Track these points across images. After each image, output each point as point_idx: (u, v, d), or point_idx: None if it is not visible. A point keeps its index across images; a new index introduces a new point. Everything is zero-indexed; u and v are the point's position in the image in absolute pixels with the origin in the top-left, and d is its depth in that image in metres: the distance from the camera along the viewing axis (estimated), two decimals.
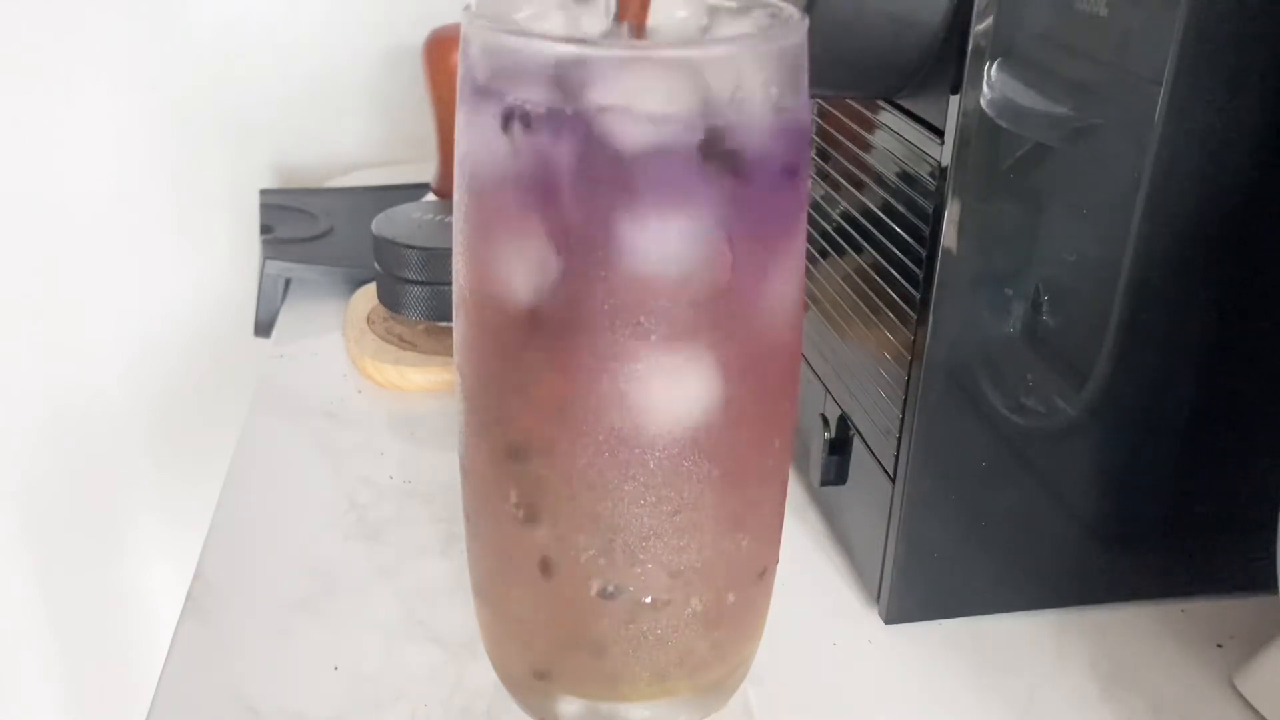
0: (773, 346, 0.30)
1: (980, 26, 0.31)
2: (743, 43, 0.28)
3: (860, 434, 0.41)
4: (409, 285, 0.55)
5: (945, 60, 0.32)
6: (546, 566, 0.31)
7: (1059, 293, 0.34)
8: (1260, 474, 0.37)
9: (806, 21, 0.28)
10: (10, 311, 0.81)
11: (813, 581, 0.42)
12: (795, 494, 0.46)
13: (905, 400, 0.36)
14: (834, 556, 0.44)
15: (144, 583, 0.91)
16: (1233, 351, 0.37)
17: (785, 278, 0.30)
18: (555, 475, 0.29)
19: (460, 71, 0.28)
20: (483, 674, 0.37)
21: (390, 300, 0.57)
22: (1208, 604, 0.41)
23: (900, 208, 0.36)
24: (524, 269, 0.28)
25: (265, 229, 0.67)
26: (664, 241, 0.27)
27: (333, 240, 0.67)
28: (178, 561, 0.82)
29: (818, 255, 0.44)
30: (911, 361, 0.36)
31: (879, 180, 0.38)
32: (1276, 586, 0.33)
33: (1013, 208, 0.33)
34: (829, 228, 0.43)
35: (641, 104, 0.26)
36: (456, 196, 0.30)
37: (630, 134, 0.26)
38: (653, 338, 0.28)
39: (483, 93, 0.27)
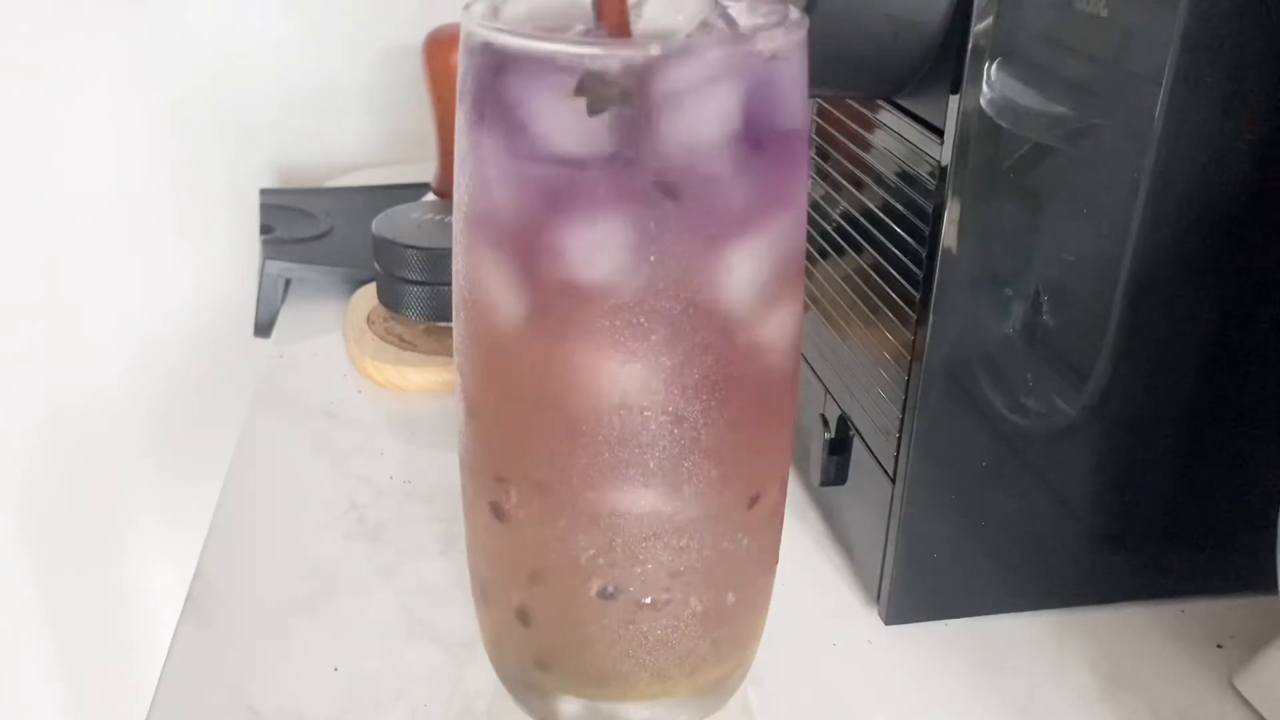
0: (773, 346, 0.30)
1: (980, 26, 0.31)
2: (743, 42, 0.28)
3: (860, 434, 0.41)
4: (409, 285, 0.55)
5: (945, 60, 0.32)
6: (546, 567, 0.31)
7: (1059, 293, 0.34)
8: (1260, 474, 0.37)
9: (806, 21, 0.28)
10: (10, 311, 0.81)
11: (813, 581, 0.42)
12: (795, 494, 0.46)
13: (905, 400, 0.36)
14: (834, 556, 0.44)
15: (144, 583, 0.91)
16: (1233, 351, 0.37)
17: (784, 278, 0.30)
18: (555, 475, 0.29)
19: (460, 71, 0.28)
20: (483, 674, 0.37)
21: (390, 300, 0.57)
22: (1208, 604, 0.41)
23: (900, 208, 0.36)
24: (524, 268, 0.28)
25: (265, 229, 0.67)
26: (663, 240, 0.27)
27: (333, 240, 0.67)
28: (178, 561, 0.82)
29: (818, 255, 0.44)
30: (911, 361, 0.36)
31: (879, 180, 0.38)
32: (1276, 586, 0.33)
33: (1013, 208, 0.33)
34: (829, 228, 0.43)
35: (641, 104, 0.26)
36: (456, 196, 0.30)
37: (622, 130, 0.26)
38: (653, 338, 0.28)
39: (483, 92, 0.27)
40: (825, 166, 0.43)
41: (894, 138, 0.37)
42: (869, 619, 0.40)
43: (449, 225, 0.55)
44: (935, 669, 0.38)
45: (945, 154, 0.33)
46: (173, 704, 0.36)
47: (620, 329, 0.27)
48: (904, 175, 0.36)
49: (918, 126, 0.35)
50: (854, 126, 0.40)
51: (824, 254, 0.43)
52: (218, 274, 0.85)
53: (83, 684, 0.93)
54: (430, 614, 0.40)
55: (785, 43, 0.27)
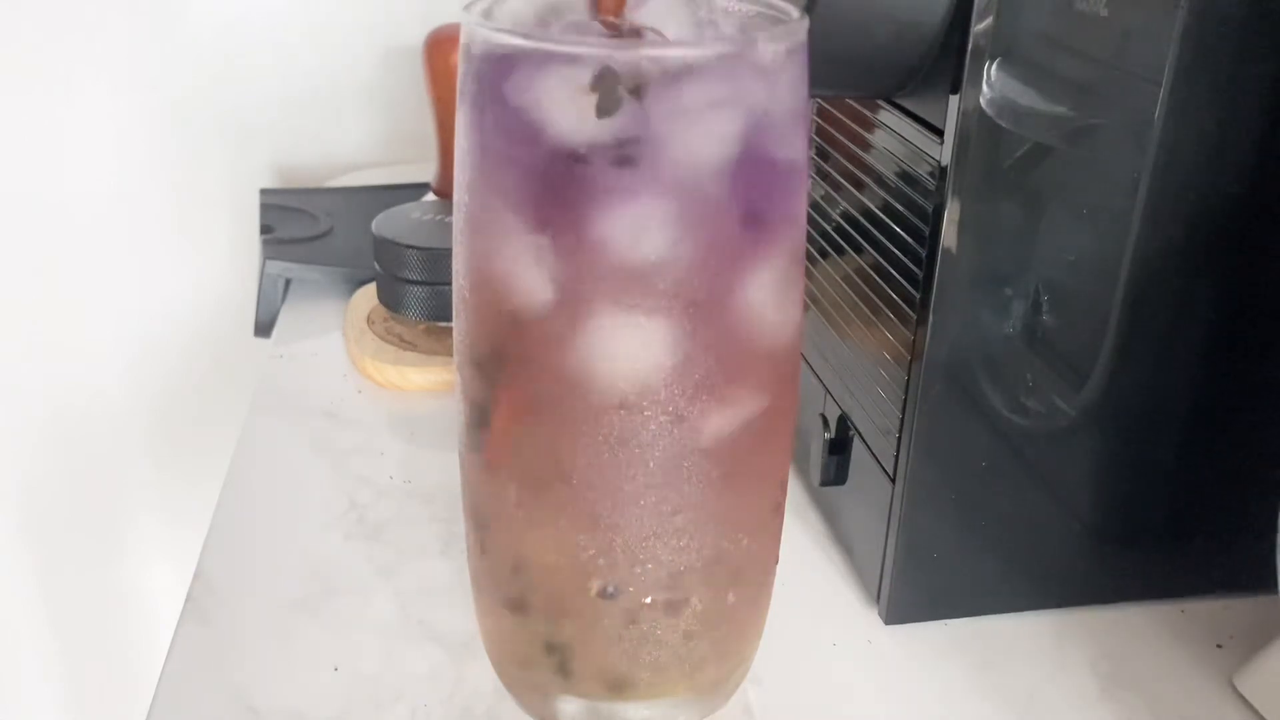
0: (773, 346, 0.30)
1: (980, 26, 0.31)
2: (743, 42, 0.28)
3: (860, 434, 0.41)
4: (409, 285, 0.55)
5: (945, 60, 0.32)
6: (547, 567, 0.31)
7: (1059, 293, 0.34)
8: (1260, 474, 0.37)
9: (806, 21, 0.28)
10: (10, 311, 0.81)
11: (813, 581, 0.42)
12: (795, 494, 0.46)
13: (905, 400, 0.36)
14: (834, 556, 0.44)
15: (144, 583, 0.91)
16: (1232, 351, 0.37)
17: (784, 278, 0.30)
18: (556, 475, 0.29)
19: (460, 71, 0.28)
20: (483, 674, 0.37)
21: (390, 300, 0.57)
22: (1208, 604, 0.41)
23: (900, 208, 0.36)
24: (523, 267, 0.28)
25: (265, 229, 0.67)
26: (664, 239, 0.27)
27: (333, 240, 0.67)
28: (178, 561, 0.82)
29: (818, 255, 0.44)
30: (911, 361, 0.36)
31: (879, 180, 0.38)
32: (1276, 586, 0.33)
33: (1013, 208, 0.33)
34: (829, 228, 0.43)
35: (646, 102, 0.26)
36: (456, 196, 0.30)
37: (622, 130, 0.26)
38: (653, 339, 0.28)
39: (483, 92, 0.27)
40: (825, 166, 0.43)
41: (894, 138, 0.37)
42: (869, 618, 0.40)
43: (449, 225, 0.55)
44: (935, 669, 0.38)
45: (945, 154, 0.33)
46: (173, 704, 0.36)
47: (620, 329, 0.27)
48: (904, 175, 0.36)
49: (918, 126, 0.35)
50: (854, 126, 0.40)
51: (824, 254, 0.43)
52: (218, 274, 0.85)
53: (83, 684, 0.93)
54: (430, 614, 0.40)
55: (785, 43, 0.27)
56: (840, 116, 0.41)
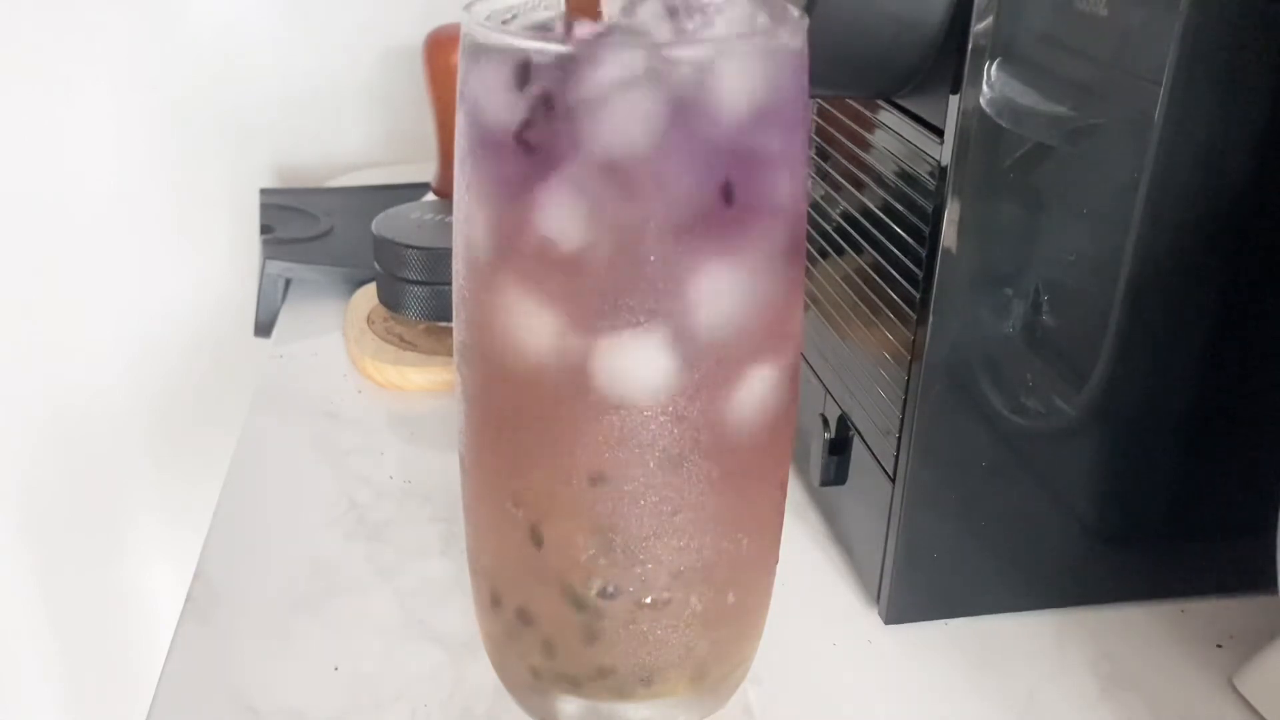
0: (774, 346, 0.30)
1: (980, 26, 0.31)
2: (743, 42, 0.28)
3: (860, 434, 0.41)
4: (409, 285, 0.55)
5: (945, 60, 0.32)
6: (546, 567, 0.31)
7: (1059, 293, 0.34)
8: (1260, 474, 0.37)
9: (806, 21, 0.28)
10: (10, 311, 0.81)
11: (813, 581, 0.42)
12: (795, 494, 0.46)
13: (905, 400, 0.36)
14: (834, 556, 0.44)
15: (144, 583, 0.91)
16: (1232, 352, 0.37)
17: (784, 278, 0.30)
18: (555, 475, 0.29)
19: (460, 71, 0.28)
20: (483, 674, 0.37)
21: (390, 300, 0.57)
22: (1208, 604, 0.41)
23: (900, 208, 0.36)
24: (525, 262, 0.28)
25: (265, 229, 0.67)
26: (665, 237, 0.27)
27: (333, 240, 0.67)
28: (178, 561, 0.82)
29: (818, 255, 0.44)
30: (911, 361, 0.36)
31: (879, 180, 0.38)
32: (1276, 586, 0.33)
33: (1013, 208, 0.33)
34: (829, 228, 0.43)
35: (642, 103, 0.26)
36: (456, 196, 0.30)
37: (629, 131, 0.26)
38: (653, 339, 0.28)
39: (482, 92, 0.27)
40: (825, 166, 0.43)
41: (894, 138, 0.37)
42: (869, 619, 0.40)
43: (449, 225, 0.55)
44: (935, 669, 0.38)
45: (945, 154, 0.33)
46: (173, 704, 0.36)
47: (620, 329, 0.27)
48: (904, 175, 0.36)
49: (918, 126, 0.35)
50: (854, 126, 0.40)
51: (824, 254, 0.43)
52: (218, 274, 0.85)
53: (83, 684, 0.93)
54: (430, 614, 0.40)
55: (785, 43, 0.27)
56: (840, 116, 0.41)
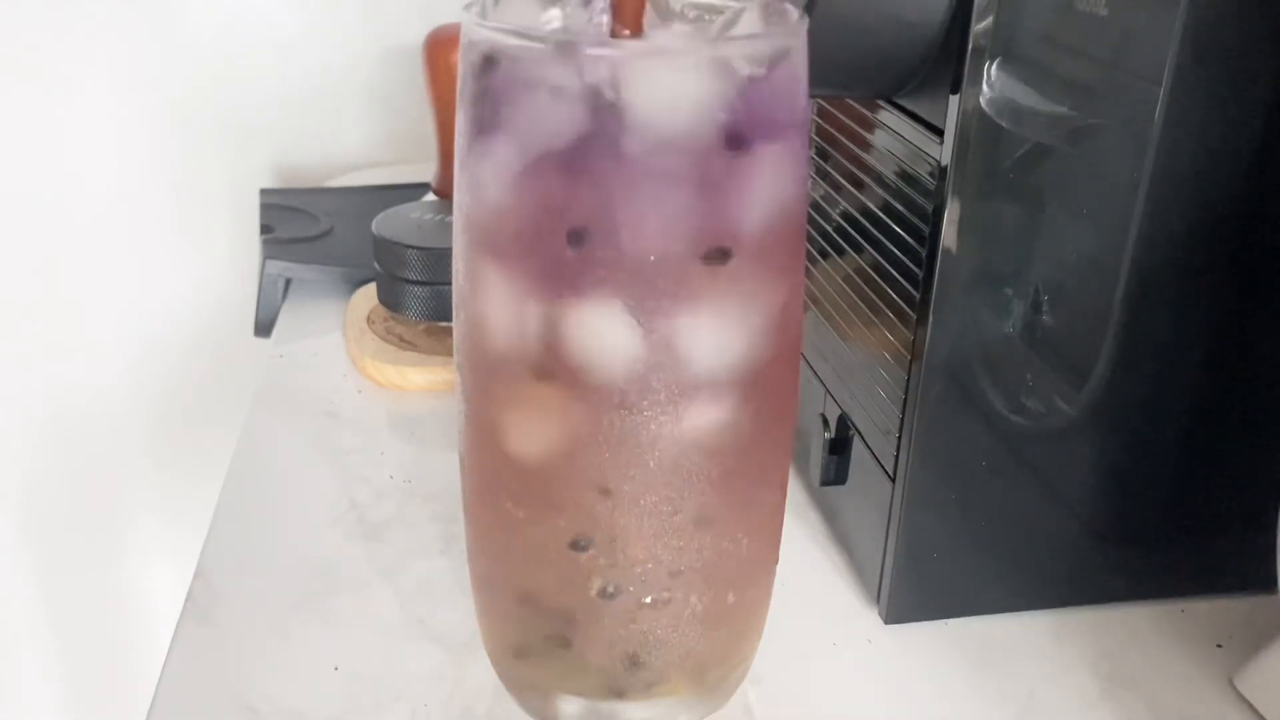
0: (773, 345, 0.30)
1: (980, 26, 0.31)
2: (744, 43, 0.28)
3: (860, 434, 0.41)
4: (409, 285, 0.55)
5: (945, 60, 0.32)
6: (546, 567, 0.31)
7: (1059, 293, 0.34)
8: (1260, 474, 0.37)
9: (806, 21, 0.28)
10: (10, 311, 0.81)
11: (813, 581, 0.42)
12: (795, 494, 0.46)
13: (905, 400, 0.36)
14: (834, 556, 0.44)
15: (144, 583, 0.91)
16: (1232, 351, 0.37)
17: (784, 278, 0.30)
18: (556, 475, 0.29)
19: (460, 71, 0.28)
20: (483, 674, 0.37)
21: (390, 300, 0.57)
22: (1208, 604, 0.41)
23: (900, 208, 0.36)
24: (525, 262, 0.28)
25: (265, 229, 0.67)
26: (667, 237, 0.27)
27: (333, 240, 0.67)
28: (178, 561, 0.82)
29: (818, 255, 0.44)
30: (911, 361, 0.36)
31: (879, 180, 0.38)
32: (1276, 586, 0.33)
33: (1013, 208, 0.33)
34: (829, 228, 0.43)
35: (641, 103, 0.26)
36: (456, 196, 0.30)
37: (628, 131, 0.26)
38: (653, 339, 0.28)
39: (483, 91, 0.27)
40: (825, 166, 0.43)
41: (894, 138, 0.37)
42: (869, 618, 0.40)
43: (449, 225, 0.55)
44: (935, 669, 0.38)
45: (945, 154, 0.33)
46: (173, 704, 0.36)
47: (619, 327, 0.27)
48: (904, 175, 0.36)
49: (918, 126, 0.35)
50: (854, 126, 0.40)
51: (824, 254, 0.43)
52: (218, 274, 0.85)
53: (83, 684, 0.93)
54: (430, 614, 0.40)
55: (785, 43, 0.27)
56: (840, 116, 0.41)
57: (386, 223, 0.57)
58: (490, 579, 0.34)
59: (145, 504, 0.90)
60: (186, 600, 0.40)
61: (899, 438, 0.37)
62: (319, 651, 0.38)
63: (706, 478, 0.30)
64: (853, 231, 0.41)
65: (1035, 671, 0.38)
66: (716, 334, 0.28)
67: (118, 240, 0.82)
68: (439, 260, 0.54)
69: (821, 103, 0.43)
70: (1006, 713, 0.36)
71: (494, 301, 0.29)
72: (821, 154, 0.43)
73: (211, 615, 0.40)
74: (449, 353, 0.53)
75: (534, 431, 0.30)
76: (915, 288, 0.35)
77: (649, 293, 0.27)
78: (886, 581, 0.39)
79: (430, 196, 0.72)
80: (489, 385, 0.30)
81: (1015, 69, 0.31)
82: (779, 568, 0.35)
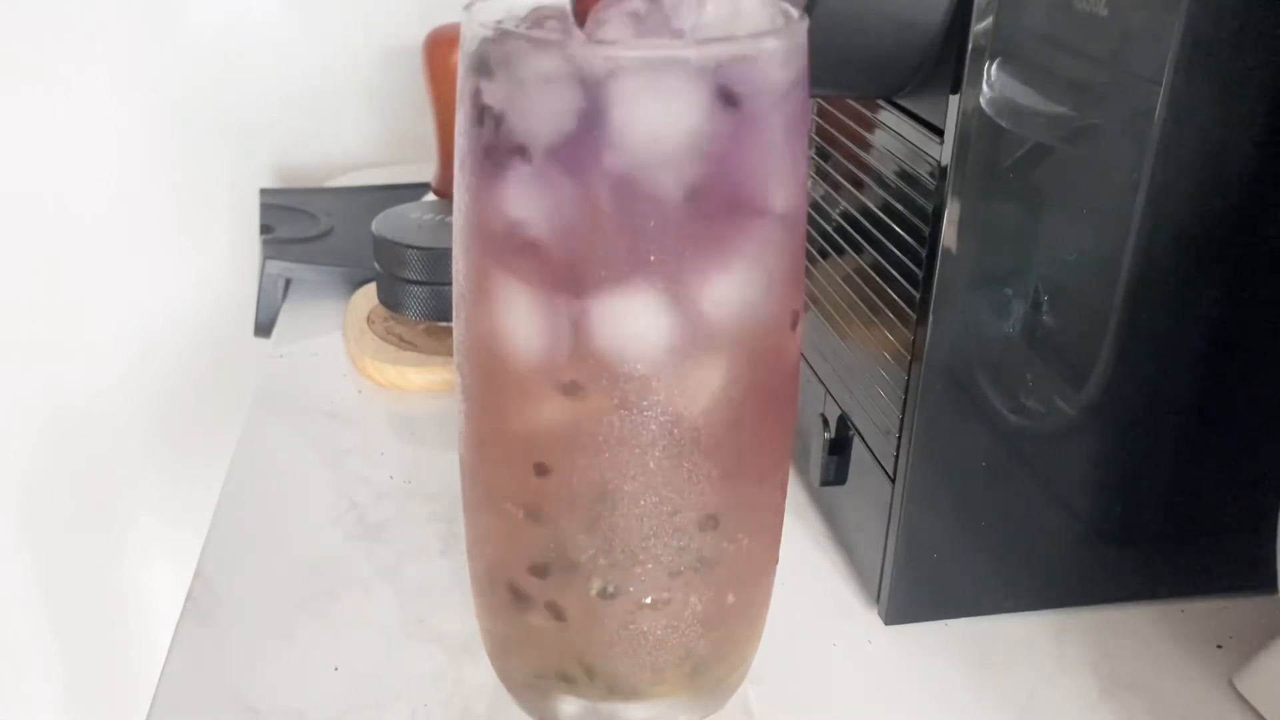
0: (773, 345, 0.30)
1: (980, 26, 0.31)
2: (743, 43, 0.28)
3: (860, 434, 0.41)
4: (409, 285, 0.55)
5: (945, 60, 0.32)
6: (546, 567, 0.31)
7: (1059, 293, 0.34)
8: (1260, 474, 0.37)
9: (806, 21, 0.28)
10: (10, 311, 0.81)
11: (813, 581, 0.42)
12: (795, 494, 0.46)
13: (905, 400, 0.36)
14: (834, 556, 0.44)
15: (144, 583, 0.91)
16: (1232, 351, 0.37)
17: (784, 278, 0.30)
18: (556, 475, 0.29)
19: (460, 71, 0.28)
20: (483, 674, 0.37)
21: (390, 300, 0.57)
22: (1208, 604, 0.41)
23: (900, 208, 0.36)
24: (525, 263, 0.28)
25: (265, 229, 0.67)
26: (664, 241, 0.27)
27: (333, 240, 0.67)
28: (178, 561, 0.82)
29: (818, 255, 0.44)
30: (911, 361, 0.36)
31: (879, 180, 0.38)
32: (1276, 586, 0.33)
33: (1013, 208, 0.33)
34: (829, 228, 0.43)
35: (641, 103, 0.26)
36: (457, 196, 0.30)
37: (628, 132, 0.26)
38: (652, 336, 0.27)
39: (483, 92, 0.27)
40: (825, 166, 0.43)
41: (894, 138, 0.37)
42: (869, 619, 0.40)
43: (449, 225, 0.55)
44: (935, 669, 0.38)
45: (945, 154, 0.33)
46: (173, 704, 0.36)
47: (619, 328, 0.27)
48: (904, 175, 0.36)
49: (918, 126, 0.35)
50: (854, 126, 0.40)
51: (824, 254, 0.43)
52: (218, 274, 0.85)
53: (83, 684, 0.93)
54: (430, 614, 0.40)
55: (785, 43, 0.27)
56: (840, 116, 0.41)
57: (386, 223, 0.57)
58: (490, 580, 0.34)
59: (145, 504, 0.90)
60: (186, 600, 0.40)
61: (899, 438, 0.37)
62: (319, 651, 0.38)
63: (707, 478, 0.30)
64: (853, 231, 0.41)
65: (1035, 671, 0.38)
66: (717, 334, 0.28)
67: (118, 240, 0.82)
68: (439, 260, 0.54)
69: (821, 103, 0.43)
70: (1006, 713, 0.36)
71: (494, 302, 0.29)
72: (821, 154, 0.43)
73: (211, 615, 0.40)
74: (449, 353, 0.53)
75: (535, 431, 0.30)
76: (915, 288, 0.35)
77: (649, 292, 0.27)
78: (886, 581, 0.39)
79: (430, 196, 0.72)
80: (489, 386, 0.30)
81: (1015, 69, 0.31)
82: (779, 568, 0.35)
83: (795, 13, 0.29)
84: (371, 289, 0.61)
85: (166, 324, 0.85)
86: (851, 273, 0.41)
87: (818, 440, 0.43)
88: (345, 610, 0.40)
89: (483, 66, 0.27)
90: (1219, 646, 0.39)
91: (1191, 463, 0.39)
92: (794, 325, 0.31)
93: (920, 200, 0.35)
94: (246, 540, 0.44)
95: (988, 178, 0.33)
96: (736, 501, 0.31)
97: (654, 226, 0.27)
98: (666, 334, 0.28)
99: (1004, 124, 0.32)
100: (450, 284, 0.31)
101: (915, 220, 0.35)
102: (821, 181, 0.43)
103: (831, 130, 0.42)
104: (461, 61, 0.28)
